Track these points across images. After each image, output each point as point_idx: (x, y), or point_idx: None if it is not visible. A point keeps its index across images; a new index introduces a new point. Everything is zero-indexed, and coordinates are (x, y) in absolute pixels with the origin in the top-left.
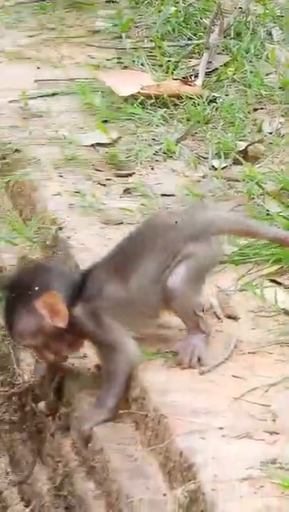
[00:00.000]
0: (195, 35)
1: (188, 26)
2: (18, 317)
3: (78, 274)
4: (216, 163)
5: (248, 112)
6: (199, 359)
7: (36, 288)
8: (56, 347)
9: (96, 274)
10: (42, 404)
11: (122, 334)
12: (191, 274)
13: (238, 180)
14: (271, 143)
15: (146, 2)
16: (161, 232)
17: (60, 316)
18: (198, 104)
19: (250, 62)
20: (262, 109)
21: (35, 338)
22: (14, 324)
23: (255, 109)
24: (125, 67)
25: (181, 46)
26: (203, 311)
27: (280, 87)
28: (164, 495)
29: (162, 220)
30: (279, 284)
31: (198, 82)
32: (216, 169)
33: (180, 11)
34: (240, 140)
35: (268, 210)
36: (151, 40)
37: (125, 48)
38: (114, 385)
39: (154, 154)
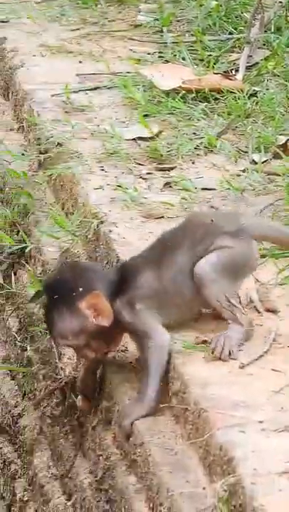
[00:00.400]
0: (236, 29)
1: (229, 20)
2: (61, 318)
3: (117, 268)
4: (256, 157)
5: None
6: (230, 352)
7: (80, 289)
8: (97, 345)
9: (133, 266)
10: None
11: (153, 321)
12: (223, 263)
13: (278, 175)
14: None
15: None
16: (199, 227)
17: (105, 315)
18: (239, 99)
19: None
20: None
21: (77, 338)
22: (57, 325)
23: None
24: (166, 62)
25: (222, 40)
26: (240, 302)
27: None
28: (204, 488)
29: (203, 215)
30: None
31: (239, 76)
32: (256, 163)
33: (221, 5)
34: (281, 134)
35: None
36: (192, 35)
37: (166, 42)
38: (150, 375)
39: (194, 148)
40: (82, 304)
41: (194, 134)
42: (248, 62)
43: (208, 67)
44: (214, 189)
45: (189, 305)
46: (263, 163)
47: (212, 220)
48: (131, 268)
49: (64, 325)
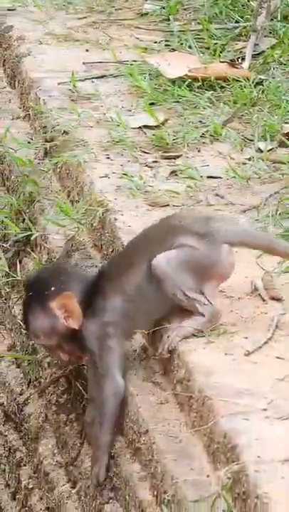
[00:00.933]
0: (242, 17)
1: (236, 9)
2: (34, 317)
3: (95, 274)
4: (261, 145)
5: None
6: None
7: (53, 289)
8: (70, 348)
9: (102, 280)
10: None
11: (115, 364)
12: (182, 260)
13: (283, 163)
14: None
15: None
16: (164, 228)
17: (75, 317)
18: (245, 87)
19: None
20: None
21: (50, 339)
22: (30, 324)
23: None
24: (173, 50)
25: (228, 29)
26: (202, 294)
27: None
28: (208, 476)
29: (175, 218)
30: None
31: (245, 64)
32: (261, 151)
33: None
34: (286, 122)
35: None
36: (198, 23)
37: (173, 31)
38: (104, 421)
39: (200, 137)
40: (53, 303)
41: (200, 122)
42: (254, 51)
43: (214, 55)
44: (220, 177)
45: (159, 310)
46: (268, 151)
47: (180, 222)
48: (101, 281)
49: (36, 323)
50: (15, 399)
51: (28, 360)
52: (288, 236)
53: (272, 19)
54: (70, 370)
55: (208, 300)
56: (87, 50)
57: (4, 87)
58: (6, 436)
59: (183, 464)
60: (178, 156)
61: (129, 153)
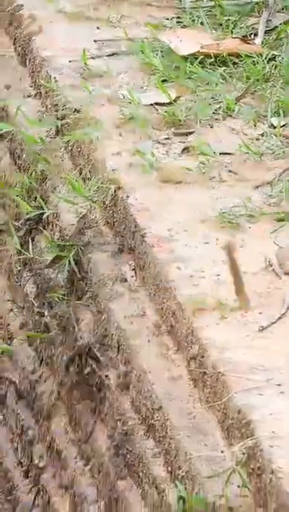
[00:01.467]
0: None
1: None
2: None
3: None
4: (275, 121)
5: None
6: None
7: None
8: None
9: None
10: None
11: None
12: None
13: None
14: None
15: None
16: None
17: None
18: (258, 63)
19: None
20: None
21: None
22: None
23: None
24: (185, 27)
25: (240, 5)
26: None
27: None
28: (222, 452)
29: None
30: None
31: (258, 40)
32: (274, 127)
33: None
34: None
35: None
36: None
37: (185, 7)
38: None
39: (213, 113)
40: None
41: (213, 98)
42: (266, 27)
43: (226, 31)
44: (233, 153)
45: None
46: (281, 127)
47: None
48: None
49: None
50: (27, 377)
51: (41, 339)
52: None
53: None
54: (85, 347)
55: None
56: (98, 28)
57: (15, 66)
58: (18, 414)
59: (197, 440)
60: (190, 133)
61: (141, 131)
